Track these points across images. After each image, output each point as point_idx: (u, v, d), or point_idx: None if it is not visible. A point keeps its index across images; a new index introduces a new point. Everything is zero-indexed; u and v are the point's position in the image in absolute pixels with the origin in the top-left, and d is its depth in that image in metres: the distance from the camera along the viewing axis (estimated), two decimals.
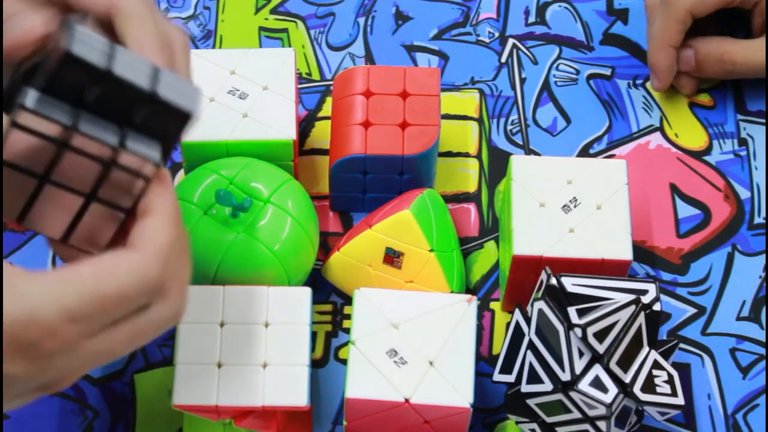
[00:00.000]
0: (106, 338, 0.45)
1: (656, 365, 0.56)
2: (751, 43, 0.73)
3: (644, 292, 0.57)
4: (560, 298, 0.55)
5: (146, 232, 0.46)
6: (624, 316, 0.53)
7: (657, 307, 0.56)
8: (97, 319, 0.43)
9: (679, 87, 0.75)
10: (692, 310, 0.68)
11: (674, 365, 0.57)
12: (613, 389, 0.53)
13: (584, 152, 0.74)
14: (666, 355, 0.57)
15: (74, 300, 0.42)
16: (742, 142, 0.74)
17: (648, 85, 0.76)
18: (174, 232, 0.46)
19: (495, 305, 0.69)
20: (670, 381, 0.55)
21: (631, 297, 0.54)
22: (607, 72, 0.77)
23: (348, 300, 0.68)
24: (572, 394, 0.54)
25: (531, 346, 0.56)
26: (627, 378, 0.54)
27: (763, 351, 0.67)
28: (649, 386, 0.55)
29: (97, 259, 0.44)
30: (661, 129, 0.75)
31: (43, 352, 0.42)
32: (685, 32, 0.72)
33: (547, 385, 0.55)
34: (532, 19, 0.79)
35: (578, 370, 0.53)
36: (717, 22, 0.75)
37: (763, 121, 0.75)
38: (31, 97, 0.44)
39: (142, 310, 0.46)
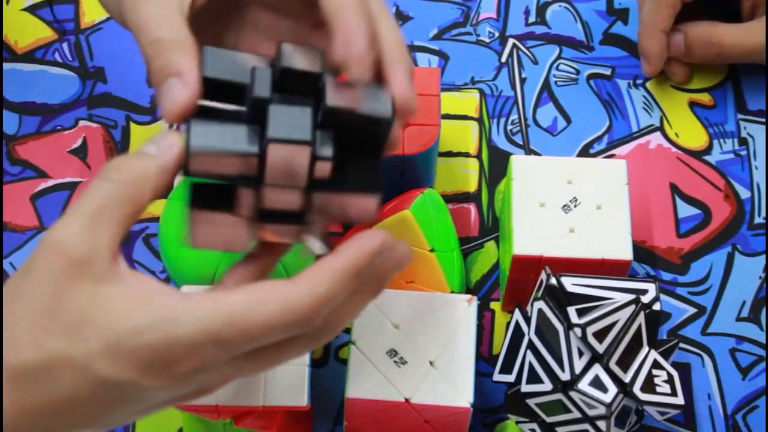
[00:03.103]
0: (246, 362, 0.44)
1: (656, 365, 0.56)
2: (740, 27, 0.73)
3: (644, 291, 0.57)
4: (560, 298, 0.55)
5: (314, 273, 0.44)
6: (624, 315, 0.53)
7: (657, 306, 0.56)
8: (239, 345, 0.43)
9: (671, 74, 0.75)
10: (692, 310, 0.68)
11: (674, 365, 0.57)
12: (612, 389, 0.53)
13: (584, 152, 0.74)
14: (666, 354, 0.57)
15: (219, 326, 0.42)
16: (743, 142, 0.74)
17: (648, 84, 0.76)
18: (340, 286, 0.44)
19: (495, 305, 0.69)
20: (670, 381, 0.55)
21: (631, 297, 0.54)
22: (607, 72, 0.77)
23: None
24: (572, 393, 0.54)
25: (531, 345, 0.56)
26: (627, 378, 0.54)
27: (762, 352, 0.67)
28: (649, 386, 0.55)
29: (252, 286, 0.43)
30: (661, 129, 0.75)
31: (182, 370, 0.42)
32: (674, 16, 0.73)
33: (547, 385, 0.55)
34: (532, 19, 0.79)
35: (578, 370, 0.53)
36: (708, 10, 0.75)
37: (764, 120, 0.75)
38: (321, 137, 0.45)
39: (286, 343, 0.45)
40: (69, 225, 0.42)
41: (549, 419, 0.57)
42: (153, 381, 0.42)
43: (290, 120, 0.44)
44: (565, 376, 0.54)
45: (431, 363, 0.58)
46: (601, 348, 0.53)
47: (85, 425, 0.43)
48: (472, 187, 0.73)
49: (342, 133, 0.45)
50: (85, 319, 0.41)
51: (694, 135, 0.74)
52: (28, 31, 0.80)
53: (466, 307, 0.59)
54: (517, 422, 0.59)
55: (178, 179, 0.72)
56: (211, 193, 0.46)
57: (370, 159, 0.46)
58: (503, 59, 0.77)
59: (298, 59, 0.46)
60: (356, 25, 0.46)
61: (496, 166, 0.73)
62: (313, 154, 0.44)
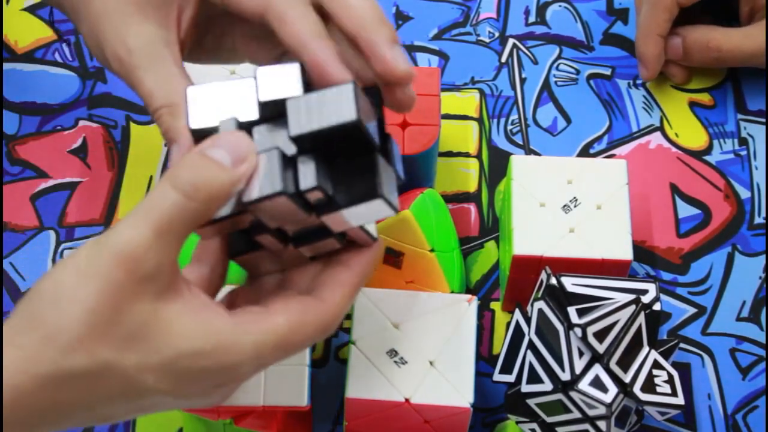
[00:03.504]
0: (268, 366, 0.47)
1: (656, 365, 0.56)
2: (738, 31, 0.73)
3: (644, 291, 0.57)
4: (560, 298, 0.55)
5: (337, 292, 0.47)
6: (624, 315, 0.53)
7: (657, 306, 0.56)
8: (276, 362, 0.46)
9: (670, 76, 0.76)
10: (692, 310, 0.68)
11: (674, 365, 0.57)
12: (613, 389, 0.53)
13: (584, 152, 0.74)
14: (666, 354, 0.57)
15: (268, 351, 0.44)
16: (743, 142, 0.74)
17: (648, 85, 0.76)
18: (355, 296, 0.48)
19: (495, 305, 0.68)
20: (670, 381, 0.55)
21: (631, 297, 0.54)
22: (607, 72, 0.77)
23: None
24: (572, 393, 0.54)
25: (531, 346, 0.56)
26: (627, 378, 0.54)
27: (762, 352, 0.67)
28: (649, 386, 0.54)
29: (292, 309, 0.45)
30: (661, 129, 0.75)
31: (222, 385, 0.45)
32: (672, 21, 0.73)
33: (547, 385, 0.55)
34: (532, 18, 0.79)
35: (578, 370, 0.53)
36: (708, 13, 0.75)
37: (764, 120, 0.75)
38: (311, 174, 0.44)
39: None
40: (138, 237, 0.42)
41: (549, 419, 0.57)
42: (195, 396, 0.44)
43: (259, 172, 0.43)
44: (565, 376, 0.53)
45: (431, 363, 0.58)
46: (601, 348, 0.53)
47: (107, 420, 0.45)
48: (472, 187, 0.73)
49: (326, 145, 0.44)
50: (142, 334, 0.42)
51: (694, 135, 0.74)
52: (28, 31, 0.80)
53: (466, 307, 0.59)
54: (517, 422, 0.59)
55: None
56: (242, 239, 0.47)
57: (367, 157, 0.45)
58: (503, 59, 0.77)
59: (273, 87, 0.45)
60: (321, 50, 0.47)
61: (496, 166, 0.73)
62: (294, 193, 0.43)
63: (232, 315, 0.44)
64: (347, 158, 0.45)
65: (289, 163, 0.44)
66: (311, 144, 0.44)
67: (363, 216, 0.45)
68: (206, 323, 0.43)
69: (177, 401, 0.44)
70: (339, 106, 0.43)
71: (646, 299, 0.56)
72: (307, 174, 0.43)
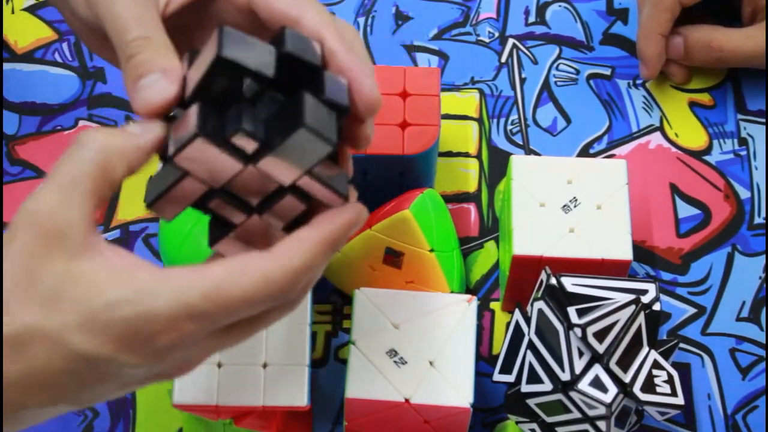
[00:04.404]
0: (224, 335, 0.44)
1: (656, 365, 0.56)
2: (740, 31, 0.73)
3: (644, 291, 0.57)
4: (560, 298, 0.55)
5: (292, 246, 0.43)
6: (624, 315, 0.53)
7: (657, 306, 0.56)
8: (218, 318, 0.42)
9: (670, 75, 0.76)
10: (692, 310, 0.68)
11: (674, 365, 0.57)
12: (612, 389, 0.53)
13: (584, 152, 0.74)
14: (666, 354, 0.57)
15: (198, 299, 0.41)
16: (743, 142, 0.74)
17: (648, 85, 0.76)
18: (318, 257, 0.44)
19: (495, 305, 0.69)
20: (670, 381, 0.55)
21: (631, 297, 0.54)
22: (607, 72, 0.77)
23: (348, 300, 0.68)
24: (572, 393, 0.54)
25: (531, 346, 0.56)
26: (627, 378, 0.54)
27: (762, 352, 0.67)
28: (649, 386, 0.54)
29: (230, 260, 0.43)
30: (661, 129, 0.75)
31: (160, 345, 0.42)
32: (673, 20, 0.73)
33: (547, 385, 0.55)
34: (532, 19, 0.79)
35: (578, 370, 0.53)
36: (709, 13, 0.75)
37: (764, 120, 0.75)
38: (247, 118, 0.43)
39: (263, 314, 0.45)
40: (43, 195, 0.41)
41: (549, 419, 0.57)
42: (129, 356, 0.42)
43: (176, 132, 0.43)
44: (565, 376, 0.54)
45: (431, 363, 0.58)
46: (601, 348, 0.53)
47: (57, 401, 0.43)
48: (472, 187, 0.73)
49: (240, 97, 0.43)
50: (60, 292, 0.41)
51: (694, 135, 0.74)
52: (28, 31, 0.80)
53: (466, 307, 0.59)
54: (517, 422, 0.59)
55: None
56: (216, 224, 0.46)
57: (293, 98, 0.44)
58: (503, 59, 0.77)
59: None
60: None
61: (496, 166, 0.73)
62: (221, 141, 0.42)
63: (163, 269, 0.42)
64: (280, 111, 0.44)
65: (214, 116, 0.43)
66: (220, 96, 0.43)
67: (298, 156, 0.43)
68: (125, 274, 0.41)
69: (122, 371, 0.42)
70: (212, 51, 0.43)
71: (645, 299, 0.56)
72: (232, 120, 0.43)
